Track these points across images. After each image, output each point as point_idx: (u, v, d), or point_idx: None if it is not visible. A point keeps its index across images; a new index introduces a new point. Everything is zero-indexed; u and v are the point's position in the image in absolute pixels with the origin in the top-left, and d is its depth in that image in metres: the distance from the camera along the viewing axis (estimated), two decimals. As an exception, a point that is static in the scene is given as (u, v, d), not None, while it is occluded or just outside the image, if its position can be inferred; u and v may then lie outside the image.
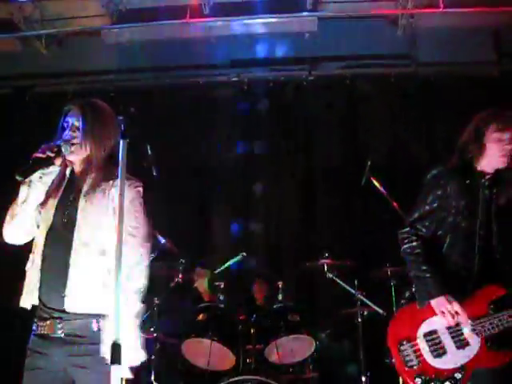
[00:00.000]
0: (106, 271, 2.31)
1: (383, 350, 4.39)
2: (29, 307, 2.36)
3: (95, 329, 2.28)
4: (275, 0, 5.27)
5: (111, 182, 2.41)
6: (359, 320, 4.14)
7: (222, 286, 4.14)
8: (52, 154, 2.36)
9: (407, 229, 2.89)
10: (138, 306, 2.33)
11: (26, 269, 2.44)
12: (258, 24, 5.38)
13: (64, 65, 5.63)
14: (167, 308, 4.20)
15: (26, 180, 2.42)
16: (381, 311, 4.11)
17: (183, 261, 4.11)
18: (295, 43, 5.53)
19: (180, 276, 4.09)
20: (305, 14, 5.23)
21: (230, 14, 5.26)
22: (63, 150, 2.38)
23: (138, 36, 5.37)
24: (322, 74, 5.60)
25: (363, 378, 4.02)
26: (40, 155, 2.34)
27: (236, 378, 3.85)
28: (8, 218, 2.46)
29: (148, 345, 3.72)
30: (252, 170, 5.46)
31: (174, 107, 5.45)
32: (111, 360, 1.78)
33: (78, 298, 2.28)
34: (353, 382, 4.25)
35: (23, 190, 2.44)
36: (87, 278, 2.30)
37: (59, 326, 2.27)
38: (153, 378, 3.95)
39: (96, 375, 2.20)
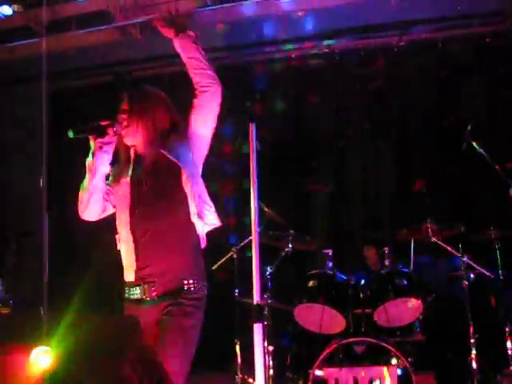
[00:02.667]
0: None
1: (491, 312, 4.47)
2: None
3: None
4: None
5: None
6: (466, 283, 4.18)
7: (330, 254, 4.29)
8: (103, 123, 2.62)
9: None
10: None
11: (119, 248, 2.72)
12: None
13: (159, 49, 5.87)
14: (279, 276, 4.38)
15: (90, 153, 2.66)
16: (488, 273, 4.14)
17: (292, 231, 4.29)
18: (383, 9, 5.48)
19: (290, 245, 4.27)
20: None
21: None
22: (113, 125, 2.64)
23: (230, 16, 5.49)
24: (412, 38, 5.55)
25: (472, 341, 4.06)
26: (93, 123, 2.62)
27: (346, 340, 4.05)
28: (80, 192, 2.72)
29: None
30: (346, 138, 5.53)
31: (269, 81, 5.58)
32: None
33: None
34: (461, 345, 4.28)
35: (88, 161, 2.68)
36: None
37: None
38: (266, 342, 4.17)
39: None
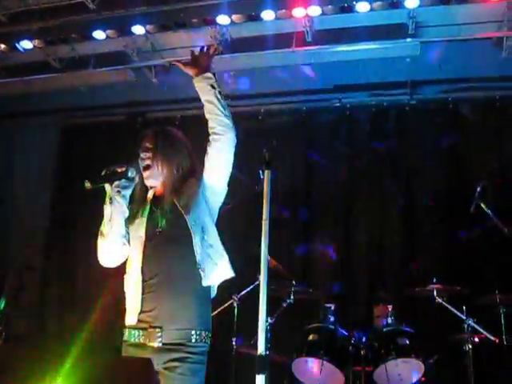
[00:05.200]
0: None
1: (493, 377, 4.36)
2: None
3: None
4: (376, 26, 5.35)
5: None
6: (469, 347, 4.10)
7: (333, 308, 4.22)
8: (119, 170, 2.60)
9: None
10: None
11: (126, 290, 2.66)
12: (360, 50, 5.46)
13: (172, 92, 5.95)
14: (278, 327, 4.30)
15: (107, 199, 2.62)
16: (492, 338, 4.06)
17: (294, 282, 4.24)
18: (396, 68, 5.56)
19: (291, 297, 4.22)
20: (408, 40, 5.27)
21: (332, 41, 5.38)
22: (130, 170, 2.62)
23: (244, 64, 5.58)
24: (424, 98, 5.62)
25: (473, 408, 3.98)
26: (108, 170, 2.60)
27: (345, 399, 3.95)
28: (100, 241, 2.66)
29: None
30: (354, 195, 5.54)
31: (280, 131, 5.62)
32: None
33: None
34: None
35: (106, 209, 2.63)
36: None
37: None
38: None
39: None
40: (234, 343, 4.34)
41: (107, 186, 2.62)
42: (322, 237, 5.42)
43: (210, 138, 2.71)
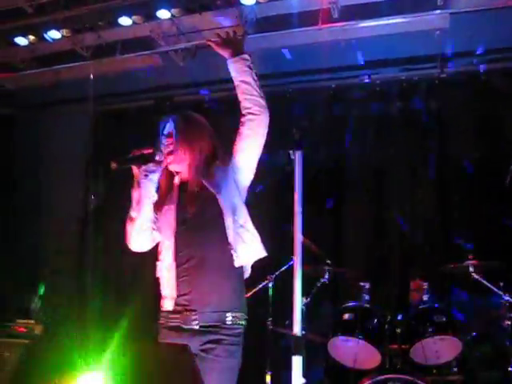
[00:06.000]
0: None
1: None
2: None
3: None
4: (404, -1, 5.24)
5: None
6: (508, 323, 4.04)
7: (367, 286, 4.21)
8: (146, 152, 2.61)
9: None
10: None
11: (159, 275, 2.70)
12: (388, 24, 5.36)
13: (199, 75, 5.95)
14: (314, 307, 4.31)
15: (134, 183, 2.65)
16: (531, 314, 4.00)
17: (328, 261, 4.24)
18: (426, 41, 5.44)
19: (326, 276, 4.21)
20: (437, 12, 5.14)
21: (358, 16, 5.29)
22: (157, 154, 2.63)
23: (270, 44, 5.53)
24: (455, 71, 5.49)
25: (511, 384, 3.93)
26: (135, 153, 2.61)
27: (381, 377, 3.93)
28: (128, 225, 2.69)
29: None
30: (386, 171, 5.47)
31: (309, 110, 5.57)
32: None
33: None
34: (499, 387, 4.14)
35: (134, 192, 2.66)
36: None
37: None
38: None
39: None
40: (269, 324, 4.37)
41: (135, 170, 2.65)
42: (355, 214, 5.37)
43: (245, 118, 2.72)
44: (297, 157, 1.91)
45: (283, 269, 4.21)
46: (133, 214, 2.66)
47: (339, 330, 4.13)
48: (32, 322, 5.26)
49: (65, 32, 5.36)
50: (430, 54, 5.53)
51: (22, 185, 6.83)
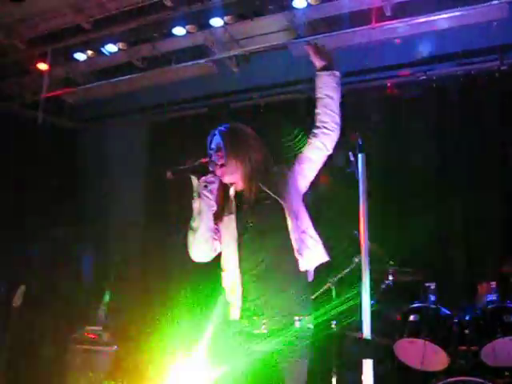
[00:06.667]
0: None
1: None
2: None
3: None
4: (457, -9, 5.11)
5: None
6: None
7: (433, 287, 4.13)
8: (201, 162, 2.65)
9: None
10: None
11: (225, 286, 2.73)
12: (442, 19, 5.25)
13: (255, 80, 5.99)
14: (379, 309, 4.26)
15: (195, 194, 2.69)
16: None
17: (392, 262, 4.18)
18: (483, 33, 5.30)
19: (390, 278, 4.16)
20: (494, 2, 4.99)
21: (412, 12, 5.20)
22: (210, 165, 2.66)
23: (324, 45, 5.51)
24: (513, 62, 5.32)
25: None
26: (191, 163, 2.65)
27: (452, 379, 3.84)
28: (190, 236, 2.72)
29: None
30: (447, 169, 5.33)
31: (365, 110, 5.51)
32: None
33: None
34: None
35: (195, 203, 2.69)
36: None
37: None
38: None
39: None
40: (333, 326, 4.34)
41: (194, 181, 2.69)
42: (417, 214, 5.24)
43: (320, 130, 2.77)
44: (360, 159, 1.90)
45: (345, 271, 4.18)
46: (194, 224, 2.70)
47: (405, 331, 4.06)
48: (100, 328, 5.44)
49: (121, 45, 5.53)
50: (488, 46, 5.37)
51: (85, 194, 7.05)
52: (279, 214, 2.64)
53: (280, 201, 2.64)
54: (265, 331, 2.57)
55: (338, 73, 2.82)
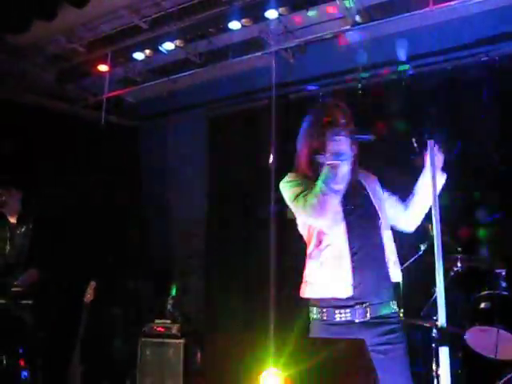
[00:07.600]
0: None
1: None
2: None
3: None
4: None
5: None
6: None
7: (504, 273, 4.02)
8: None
9: None
10: None
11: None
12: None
13: (311, 70, 5.96)
14: (448, 297, 4.17)
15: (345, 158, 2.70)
16: None
17: (459, 249, 4.09)
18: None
19: (459, 265, 4.07)
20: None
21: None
22: None
23: (379, 32, 5.42)
24: None
25: None
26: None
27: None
28: (332, 198, 2.57)
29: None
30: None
31: (427, 95, 5.38)
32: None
33: None
34: None
35: (344, 166, 2.63)
36: None
37: None
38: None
39: None
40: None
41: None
42: (487, 199, 5.08)
43: (405, 221, 2.97)
44: (430, 146, 1.87)
45: (412, 259, 4.11)
46: (337, 187, 2.56)
47: (477, 319, 3.95)
48: (168, 321, 5.56)
49: (178, 42, 5.60)
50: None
51: (148, 190, 7.21)
52: (373, 206, 2.75)
53: (371, 196, 2.78)
54: (367, 320, 2.55)
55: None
